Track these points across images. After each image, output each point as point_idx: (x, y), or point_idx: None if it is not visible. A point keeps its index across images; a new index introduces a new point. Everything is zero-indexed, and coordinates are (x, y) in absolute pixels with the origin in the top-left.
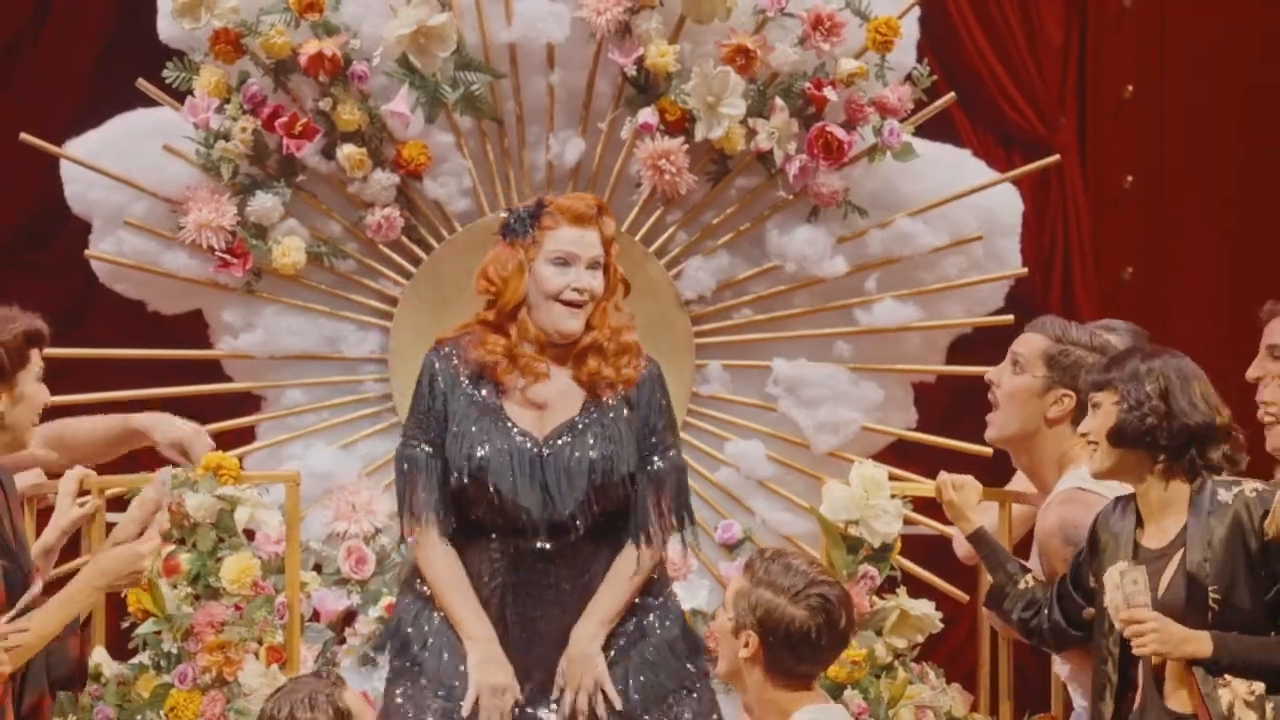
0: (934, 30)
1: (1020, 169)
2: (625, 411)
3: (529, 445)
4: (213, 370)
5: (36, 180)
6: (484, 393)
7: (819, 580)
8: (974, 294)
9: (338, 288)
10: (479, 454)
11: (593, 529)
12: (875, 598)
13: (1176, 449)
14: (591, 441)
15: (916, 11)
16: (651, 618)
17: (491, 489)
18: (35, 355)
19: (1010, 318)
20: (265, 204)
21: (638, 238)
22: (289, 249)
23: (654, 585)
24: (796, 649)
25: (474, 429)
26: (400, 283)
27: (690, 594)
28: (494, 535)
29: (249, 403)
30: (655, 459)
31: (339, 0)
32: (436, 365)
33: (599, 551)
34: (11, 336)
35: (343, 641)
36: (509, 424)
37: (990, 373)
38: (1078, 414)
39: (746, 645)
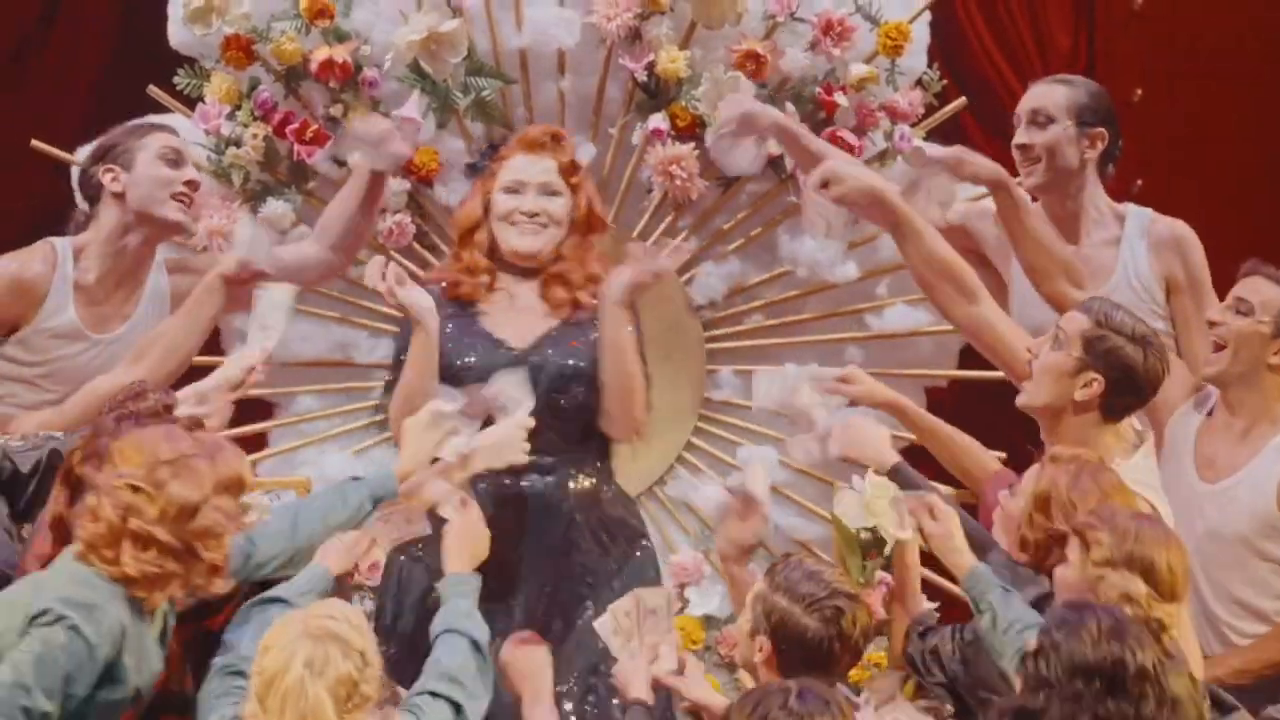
0: (943, 35)
1: None
2: (594, 333)
3: (505, 353)
4: None
5: (43, 185)
6: (464, 312)
7: (836, 591)
8: None
9: (349, 294)
10: (456, 360)
11: (565, 453)
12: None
13: None
14: (553, 351)
15: (927, 16)
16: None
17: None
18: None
19: None
20: (276, 210)
21: (649, 243)
22: None
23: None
24: (808, 658)
25: (452, 344)
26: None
27: (703, 599)
28: None
29: (261, 409)
30: None
31: (350, 6)
32: None
33: (571, 480)
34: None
35: None
36: (489, 334)
37: (1033, 342)
38: (1104, 400)
39: (761, 650)
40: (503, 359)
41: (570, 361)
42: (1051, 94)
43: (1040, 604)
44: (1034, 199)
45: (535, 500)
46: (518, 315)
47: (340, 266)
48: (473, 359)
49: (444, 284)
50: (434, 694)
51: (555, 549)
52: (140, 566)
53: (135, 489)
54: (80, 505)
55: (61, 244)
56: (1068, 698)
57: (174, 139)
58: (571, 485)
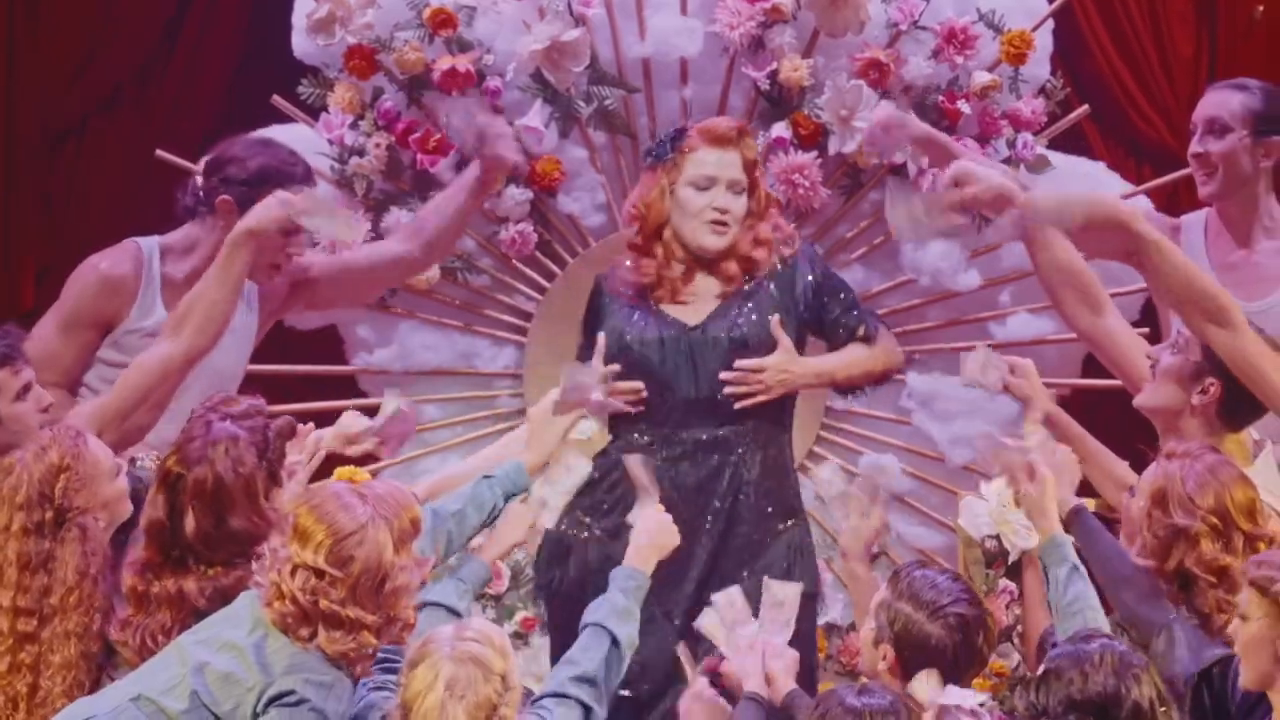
0: (1064, 43)
1: (1154, 181)
2: (772, 288)
3: (675, 332)
4: (348, 386)
5: (171, 197)
6: (639, 299)
7: (959, 598)
8: None
9: (472, 303)
10: (628, 336)
11: (741, 424)
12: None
13: None
14: (736, 318)
15: (1050, 24)
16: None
17: (639, 369)
18: (289, 447)
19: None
20: (399, 219)
21: None
22: None
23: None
24: (931, 665)
25: (624, 322)
26: (535, 298)
27: (825, 608)
28: (643, 431)
29: None
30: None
31: (472, 16)
32: (603, 284)
33: (751, 449)
34: (274, 450)
35: None
36: (663, 314)
37: (1152, 349)
38: (1222, 405)
39: (885, 658)
40: (668, 336)
41: (734, 333)
42: (1227, 102)
43: (1222, 666)
44: (1208, 205)
45: (705, 474)
46: (692, 297)
47: (425, 265)
48: (635, 333)
49: (626, 272)
50: (564, 695)
51: (718, 524)
52: (336, 647)
53: (320, 573)
54: (258, 567)
55: (147, 243)
56: None
57: (294, 210)
58: (735, 458)
